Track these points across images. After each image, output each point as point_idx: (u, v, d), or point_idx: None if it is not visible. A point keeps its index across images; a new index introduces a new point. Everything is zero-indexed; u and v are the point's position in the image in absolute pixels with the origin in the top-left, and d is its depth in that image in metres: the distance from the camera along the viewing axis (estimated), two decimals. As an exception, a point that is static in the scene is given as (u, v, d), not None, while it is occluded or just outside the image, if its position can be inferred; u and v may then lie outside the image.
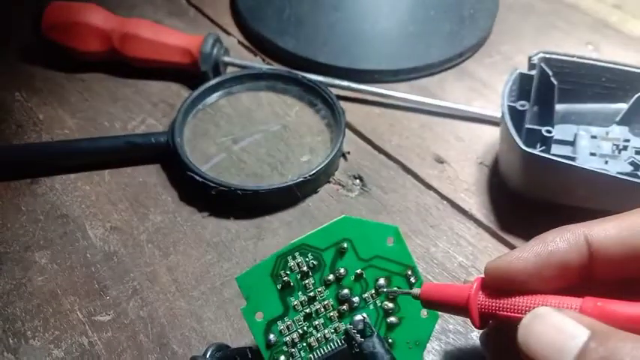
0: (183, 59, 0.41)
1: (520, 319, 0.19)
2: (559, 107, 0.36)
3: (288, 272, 0.25)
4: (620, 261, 0.19)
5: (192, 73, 0.41)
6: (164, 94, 0.42)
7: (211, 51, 0.40)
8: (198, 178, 0.34)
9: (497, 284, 0.21)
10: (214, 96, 0.40)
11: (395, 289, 0.26)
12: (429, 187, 0.36)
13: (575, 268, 0.19)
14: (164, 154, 0.36)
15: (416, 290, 0.24)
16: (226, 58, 0.42)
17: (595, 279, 0.20)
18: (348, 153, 0.38)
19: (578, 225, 0.20)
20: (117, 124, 0.40)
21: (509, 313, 0.20)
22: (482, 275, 0.22)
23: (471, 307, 0.21)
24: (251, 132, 0.39)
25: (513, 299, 0.20)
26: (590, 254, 0.19)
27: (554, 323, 0.18)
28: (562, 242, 0.19)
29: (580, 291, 0.19)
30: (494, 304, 0.20)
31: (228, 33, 0.47)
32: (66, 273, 0.31)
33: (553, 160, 0.29)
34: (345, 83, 0.41)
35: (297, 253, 0.25)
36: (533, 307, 0.19)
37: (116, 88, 0.42)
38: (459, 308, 0.22)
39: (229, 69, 0.42)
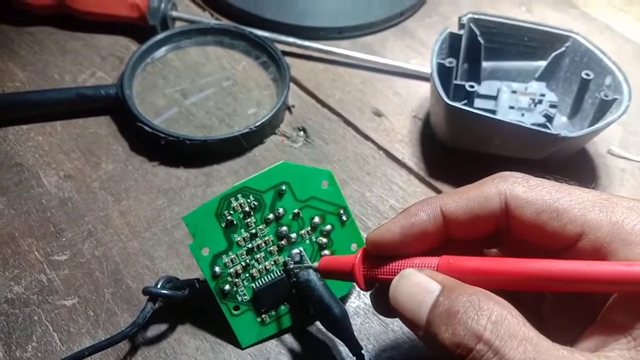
0: (131, 13, 0.42)
1: (392, 279, 0.22)
2: (486, 64, 0.39)
3: (231, 212, 0.28)
4: (468, 224, 0.23)
5: (140, 27, 0.42)
6: (113, 47, 0.43)
7: (159, 5, 0.41)
8: (147, 128, 0.36)
9: (376, 252, 0.24)
10: (162, 50, 0.42)
11: (301, 264, 0.28)
12: (367, 138, 0.39)
13: (434, 234, 0.23)
14: (114, 106, 0.38)
15: (315, 264, 0.27)
16: (174, 13, 0.43)
17: (453, 240, 0.23)
18: (293, 106, 0.40)
19: (435, 197, 0.23)
20: (67, 77, 0.40)
21: (385, 276, 0.23)
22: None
23: (356, 273, 0.24)
24: (199, 86, 0.40)
25: (388, 264, 0.23)
26: (445, 221, 0.23)
27: (415, 281, 0.21)
28: (422, 214, 0.23)
29: (444, 250, 0.23)
30: (373, 269, 0.24)
31: (176, -12, 0.48)
32: (22, 217, 0.33)
33: (472, 112, 0.33)
34: (290, 39, 0.42)
35: (239, 195, 0.28)
36: (402, 269, 0.22)
37: (65, 41, 0.43)
38: (348, 275, 0.25)
39: (177, 23, 0.44)
